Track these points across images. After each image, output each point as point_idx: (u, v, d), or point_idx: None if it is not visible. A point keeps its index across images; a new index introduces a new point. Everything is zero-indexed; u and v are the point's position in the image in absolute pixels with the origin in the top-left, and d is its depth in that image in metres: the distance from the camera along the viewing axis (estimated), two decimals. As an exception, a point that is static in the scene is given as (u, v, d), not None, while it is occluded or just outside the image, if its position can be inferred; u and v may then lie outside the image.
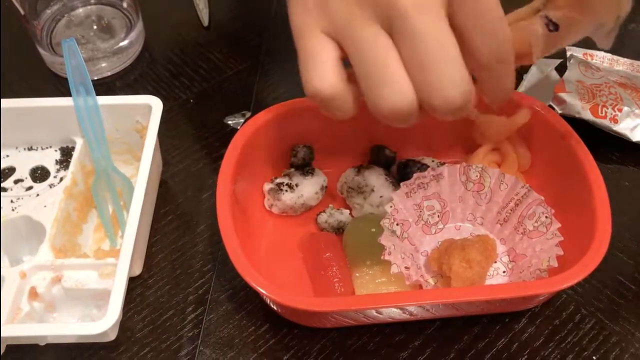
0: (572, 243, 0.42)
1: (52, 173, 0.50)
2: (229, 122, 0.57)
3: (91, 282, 0.43)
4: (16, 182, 0.49)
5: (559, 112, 0.53)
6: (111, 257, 0.43)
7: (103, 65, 0.60)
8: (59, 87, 0.60)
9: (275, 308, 0.43)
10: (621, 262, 0.47)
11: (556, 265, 0.41)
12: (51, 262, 0.43)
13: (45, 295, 0.43)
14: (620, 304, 0.45)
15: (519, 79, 0.58)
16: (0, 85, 0.59)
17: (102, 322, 0.38)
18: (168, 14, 0.66)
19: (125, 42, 0.61)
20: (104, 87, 0.60)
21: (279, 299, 0.39)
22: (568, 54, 0.59)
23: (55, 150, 0.51)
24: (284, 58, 0.62)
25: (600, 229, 0.41)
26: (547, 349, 0.43)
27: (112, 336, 0.40)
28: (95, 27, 0.61)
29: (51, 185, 0.49)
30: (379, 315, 0.42)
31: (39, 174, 0.50)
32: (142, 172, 0.44)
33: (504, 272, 0.45)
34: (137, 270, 0.47)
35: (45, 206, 0.46)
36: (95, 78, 0.60)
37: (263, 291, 0.39)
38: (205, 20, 0.65)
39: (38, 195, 0.48)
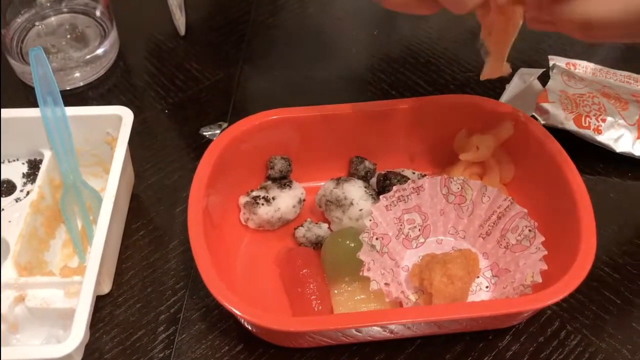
0: (556, 257, 0.41)
1: (19, 187, 0.48)
2: (205, 134, 0.55)
3: (57, 301, 0.41)
4: (-20, 196, 0.47)
5: (542, 122, 0.52)
6: (78, 275, 0.42)
7: (76, 75, 0.59)
8: (30, 98, 0.58)
9: (249, 327, 0.42)
10: (607, 276, 0.46)
11: (540, 280, 0.40)
12: (14, 280, 0.41)
13: (8, 316, 0.41)
14: (606, 319, 0.44)
15: (501, 88, 0.57)
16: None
17: (66, 344, 0.36)
18: (143, 22, 0.65)
19: (99, 51, 0.59)
20: (76, 97, 0.58)
21: (252, 319, 0.37)
22: (551, 63, 0.58)
23: (23, 163, 0.49)
24: (263, 68, 0.61)
25: (585, 242, 0.40)
26: (532, 367, 0.42)
27: (78, 358, 0.39)
28: (68, 36, 0.60)
29: (17, 200, 0.47)
30: (358, 334, 0.40)
31: (5, 188, 0.48)
32: (110, 185, 0.43)
33: (487, 287, 0.44)
34: (106, 288, 0.45)
35: (10, 221, 0.44)
36: (68, 88, 0.58)
37: (236, 311, 0.37)
38: (181, 29, 0.63)
39: (3, 209, 0.46)
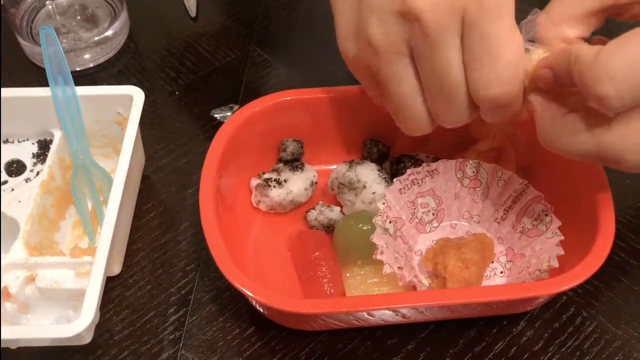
0: (573, 242, 0.40)
1: (29, 167, 0.47)
2: (216, 116, 0.55)
3: (67, 281, 0.41)
4: (-10, 176, 0.47)
5: (559, 106, 0.51)
6: (88, 255, 0.41)
7: (86, 56, 0.58)
8: (39, 78, 0.57)
9: (261, 310, 0.41)
10: (623, 262, 0.46)
11: (557, 265, 0.39)
12: (25, 260, 0.41)
13: (18, 295, 0.41)
14: (623, 306, 0.43)
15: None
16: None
17: (76, 324, 0.36)
18: (154, 3, 0.64)
19: (109, 32, 0.58)
20: (86, 78, 0.58)
21: (264, 300, 0.37)
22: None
23: (33, 143, 0.49)
24: (274, 49, 0.60)
25: (603, 227, 0.39)
26: (546, 353, 0.41)
27: (88, 339, 0.38)
28: (78, 16, 0.59)
29: (27, 180, 0.46)
30: (370, 317, 0.40)
31: (15, 168, 0.47)
32: (121, 165, 0.42)
33: (501, 272, 0.43)
34: (117, 269, 0.45)
35: (20, 201, 0.44)
36: (78, 69, 0.58)
37: (248, 292, 0.37)
38: (192, 11, 0.63)
39: (13, 190, 0.45)
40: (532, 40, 0.36)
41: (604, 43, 0.31)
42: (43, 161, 0.47)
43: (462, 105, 0.36)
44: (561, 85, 0.34)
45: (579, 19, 0.36)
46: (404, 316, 0.41)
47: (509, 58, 0.33)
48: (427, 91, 0.36)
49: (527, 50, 0.36)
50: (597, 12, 0.36)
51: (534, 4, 0.38)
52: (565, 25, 0.36)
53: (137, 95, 0.46)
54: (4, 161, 0.47)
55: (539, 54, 0.36)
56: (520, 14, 0.36)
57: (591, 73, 0.30)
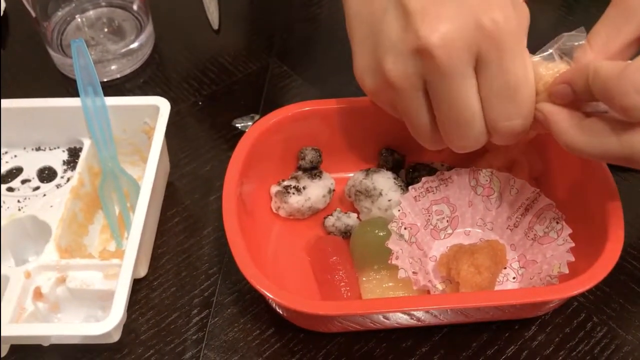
0: (583, 249, 0.41)
1: (60, 173, 0.50)
2: (238, 125, 0.56)
3: (96, 282, 0.43)
4: (23, 182, 0.49)
5: (571, 117, 0.52)
6: (116, 258, 0.43)
7: (113, 67, 0.60)
8: (69, 89, 0.60)
9: (280, 312, 0.43)
10: (634, 270, 0.47)
11: (567, 271, 0.41)
12: (56, 262, 0.43)
13: (50, 296, 0.43)
14: (633, 312, 0.44)
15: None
16: (1, 85, 0.59)
17: (105, 323, 0.38)
18: (178, 16, 0.67)
19: (135, 45, 0.61)
20: (113, 89, 0.60)
21: (284, 302, 0.38)
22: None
23: (63, 151, 0.51)
24: (294, 61, 0.62)
25: (613, 235, 0.40)
26: (557, 357, 0.42)
27: (116, 337, 0.40)
28: (105, 29, 0.61)
29: (58, 186, 0.49)
30: (385, 320, 0.41)
31: (46, 174, 0.50)
32: (148, 173, 0.44)
33: (514, 278, 0.45)
34: (143, 272, 0.46)
35: (51, 206, 0.46)
36: (105, 80, 0.60)
37: (268, 294, 0.38)
38: (215, 24, 0.65)
39: (45, 195, 0.48)
40: (564, 53, 0.38)
41: None
42: (73, 168, 0.50)
43: (476, 134, 0.38)
44: (579, 100, 0.35)
45: (616, 51, 0.36)
46: (418, 319, 0.42)
47: (528, 94, 0.36)
48: (441, 121, 0.39)
49: (551, 59, 0.37)
50: (634, 40, 0.36)
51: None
52: (603, 56, 0.36)
53: (163, 106, 0.48)
54: (36, 168, 0.50)
55: (560, 68, 0.37)
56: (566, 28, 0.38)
57: (618, 86, 0.32)
